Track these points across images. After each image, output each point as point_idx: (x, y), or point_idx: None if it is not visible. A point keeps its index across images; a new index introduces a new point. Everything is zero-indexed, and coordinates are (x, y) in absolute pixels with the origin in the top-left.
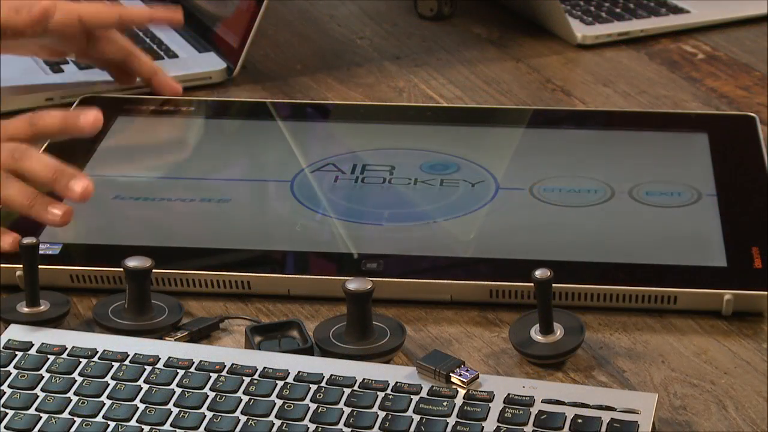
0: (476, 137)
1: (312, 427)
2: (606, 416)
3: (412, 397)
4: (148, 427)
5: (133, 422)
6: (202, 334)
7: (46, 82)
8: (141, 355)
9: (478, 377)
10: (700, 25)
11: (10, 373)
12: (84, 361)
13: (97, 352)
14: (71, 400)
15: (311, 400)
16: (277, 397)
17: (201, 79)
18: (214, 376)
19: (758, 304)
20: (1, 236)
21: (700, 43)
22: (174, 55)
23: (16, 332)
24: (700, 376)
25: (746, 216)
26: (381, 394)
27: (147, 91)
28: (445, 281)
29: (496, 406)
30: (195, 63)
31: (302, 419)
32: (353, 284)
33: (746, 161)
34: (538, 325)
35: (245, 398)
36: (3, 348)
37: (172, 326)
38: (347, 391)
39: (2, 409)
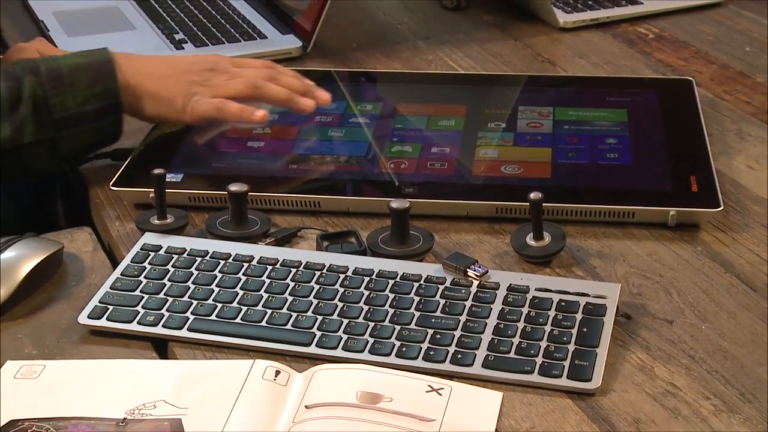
0: (486, 96)
1: (365, 308)
2: (582, 300)
3: (439, 286)
4: (246, 307)
5: (235, 303)
6: (285, 240)
7: None
8: (240, 255)
9: (488, 272)
10: (651, 13)
11: (146, 268)
12: (199, 259)
13: (209, 252)
14: (190, 287)
15: (365, 288)
16: (340, 286)
17: (283, 54)
18: (294, 270)
19: (695, 217)
20: (255, 111)
21: (651, 27)
22: (264, 36)
23: (150, 238)
24: (652, 270)
25: (686, 153)
26: (416, 284)
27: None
28: (463, 201)
29: (501, 293)
30: (279, 42)
31: (358, 302)
32: (396, 203)
33: (686, 112)
34: (532, 233)
35: (317, 287)
36: (140, 249)
37: (263, 234)
38: (391, 281)
39: (139, 293)
